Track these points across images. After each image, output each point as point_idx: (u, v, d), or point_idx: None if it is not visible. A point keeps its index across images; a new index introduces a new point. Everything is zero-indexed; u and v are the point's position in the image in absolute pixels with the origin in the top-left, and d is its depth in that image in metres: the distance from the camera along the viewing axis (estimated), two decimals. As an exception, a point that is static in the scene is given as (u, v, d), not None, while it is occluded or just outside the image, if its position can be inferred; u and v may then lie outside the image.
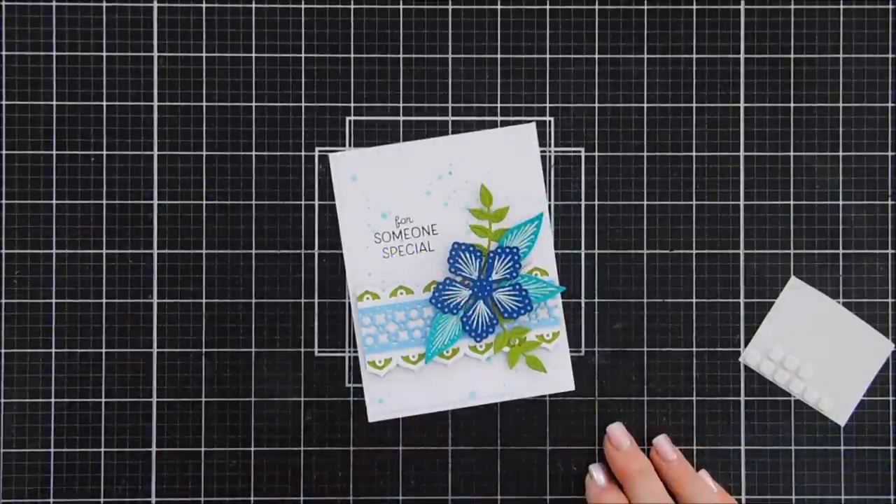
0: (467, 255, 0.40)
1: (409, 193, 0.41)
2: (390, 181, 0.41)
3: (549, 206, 0.42)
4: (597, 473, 0.41)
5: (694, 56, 0.42)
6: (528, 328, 0.41)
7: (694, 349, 0.42)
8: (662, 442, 0.41)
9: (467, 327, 0.40)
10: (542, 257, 0.41)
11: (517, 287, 0.40)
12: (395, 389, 0.41)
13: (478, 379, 0.41)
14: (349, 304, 0.41)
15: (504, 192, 0.41)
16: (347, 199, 0.41)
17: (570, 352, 0.42)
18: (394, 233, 0.41)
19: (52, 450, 0.41)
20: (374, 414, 0.41)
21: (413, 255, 0.41)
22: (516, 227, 0.40)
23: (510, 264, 0.40)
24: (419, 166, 0.41)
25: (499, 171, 0.41)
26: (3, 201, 0.42)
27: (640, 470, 0.39)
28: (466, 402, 0.41)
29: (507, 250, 0.40)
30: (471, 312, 0.40)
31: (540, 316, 0.41)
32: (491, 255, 0.40)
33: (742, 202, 0.42)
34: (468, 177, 0.41)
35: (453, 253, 0.40)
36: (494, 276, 0.40)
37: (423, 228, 0.41)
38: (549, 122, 0.42)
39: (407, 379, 0.41)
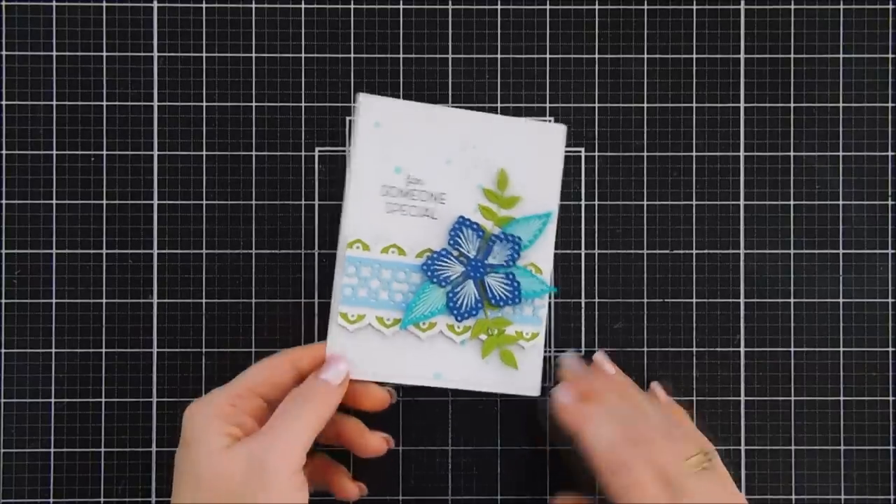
0: (470, 233, 0.39)
1: (429, 156, 0.40)
2: (413, 138, 0.40)
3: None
4: (564, 392, 0.39)
5: (694, 56, 0.42)
6: (510, 321, 0.40)
7: (694, 349, 0.42)
8: (600, 359, 0.40)
9: (451, 303, 0.39)
10: (542, 255, 0.40)
11: (510, 276, 0.39)
12: (360, 350, 0.39)
13: (447, 360, 0.39)
14: (338, 251, 0.39)
15: (520, 183, 0.40)
16: (365, 144, 0.39)
17: (572, 351, 0.42)
18: (402, 190, 0.40)
19: (52, 450, 0.41)
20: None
21: (416, 217, 0.40)
22: (524, 218, 0.40)
23: (509, 252, 0.39)
24: (447, 132, 0.40)
25: (522, 160, 0.40)
26: (3, 201, 0.42)
27: (626, 384, 0.40)
28: (429, 381, 0.39)
29: (510, 237, 0.39)
30: (458, 289, 0.39)
31: (524, 312, 0.40)
32: (493, 238, 0.39)
33: (742, 202, 0.42)
34: (491, 157, 0.40)
35: (457, 226, 0.39)
36: (491, 260, 0.39)
37: (432, 194, 0.40)
38: (550, 121, 0.42)
39: (374, 341, 0.39)
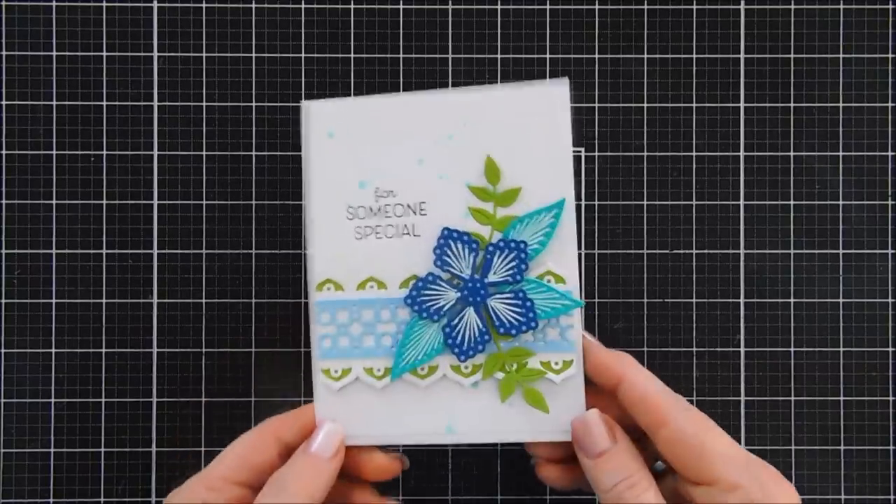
0: (460, 247, 0.32)
1: (397, 160, 0.32)
2: (375, 142, 0.32)
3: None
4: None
5: (694, 56, 0.42)
6: (532, 351, 0.32)
7: (694, 349, 0.42)
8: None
9: (450, 340, 0.31)
10: (561, 258, 0.32)
11: (520, 294, 0.31)
12: (352, 410, 0.32)
13: (458, 409, 0.32)
14: (307, 293, 0.34)
15: (517, 170, 0.32)
16: (320, 160, 0.32)
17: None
18: (371, 209, 0.32)
19: (52, 450, 0.41)
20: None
21: (392, 239, 0.32)
22: (528, 215, 0.32)
23: (513, 263, 0.31)
24: (413, 126, 0.32)
25: (515, 140, 0.32)
26: (3, 201, 0.42)
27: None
28: (442, 437, 0.32)
29: (511, 244, 0.31)
30: (456, 321, 0.31)
31: (549, 336, 0.32)
32: (490, 248, 0.31)
33: (742, 202, 0.42)
34: (473, 145, 0.32)
35: (442, 241, 0.32)
36: (492, 278, 0.32)
37: (408, 206, 0.32)
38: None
39: (368, 397, 0.32)
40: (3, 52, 0.42)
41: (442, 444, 0.32)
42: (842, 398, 0.42)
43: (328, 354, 0.32)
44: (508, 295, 0.31)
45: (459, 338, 0.32)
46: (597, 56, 0.42)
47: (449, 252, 0.32)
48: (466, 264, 0.32)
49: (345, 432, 0.32)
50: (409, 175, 0.32)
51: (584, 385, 0.31)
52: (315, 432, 0.31)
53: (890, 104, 0.42)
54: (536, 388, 0.32)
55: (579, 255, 0.42)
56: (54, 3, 0.42)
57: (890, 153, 0.42)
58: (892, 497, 0.42)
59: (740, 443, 0.42)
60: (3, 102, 0.42)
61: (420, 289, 0.32)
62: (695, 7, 0.42)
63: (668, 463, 0.30)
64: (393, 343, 0.32)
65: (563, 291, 0.31)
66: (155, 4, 0.42)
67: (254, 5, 0.42)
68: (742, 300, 0.42)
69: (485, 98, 0.32)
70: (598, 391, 0.32)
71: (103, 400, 0.42)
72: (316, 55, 0.42)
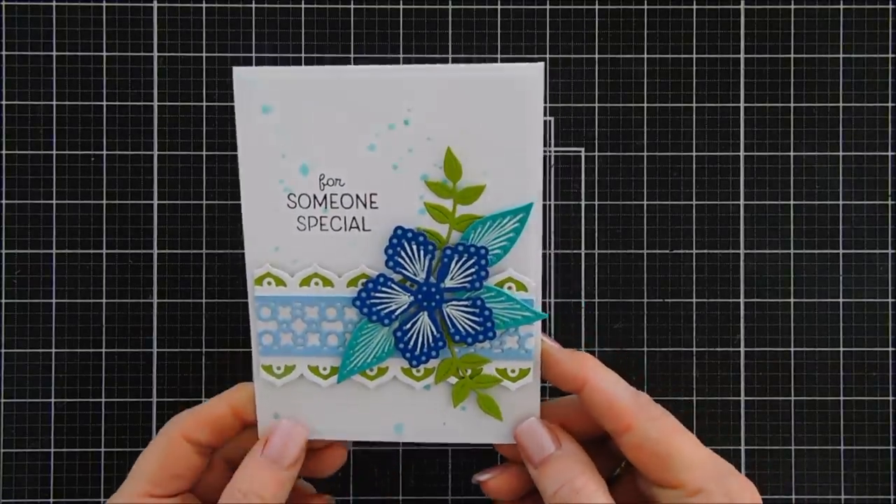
0: (414, 248, 0.29)
1: (345, 143, 0.28)
2: (320, 121, 0.28)
3: (549, 205, 0.42)
4: None
5: (694, 56, 0.42)
6: (488, 359, 0.30)
7: (694, 349, 0.42)
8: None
9: (402, 345, 0.29)
10: (523, 265, 0.29)
11: (478, 302, 0.29)
12: (295, 406, 0.30)
13: (408, 410, 0.30)
14: (248, 288, 0.31)
15: (480, 165, 0.28)
16: (253, 139, 0.29)
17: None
18: (316, 197, 0.29)
19: (52, 450, 0.41)
20: (265, 433, 0.31)
21: (340, 232, 0.29)
22: (492, 217, 0.28)
23: (472, 270, 0.29)
24: (364, 106, 0.28)
25: (480, 130, 0.28)
26: (3, 201, 0.42)
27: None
28: (390, 436, 0.30)
29: (471, 250, 0.29)
30: (409, 326, 0.29)
31: (506, 344, 0.30)
32: (448, 251, 0.29)
33: (742, 202, 0.42)
34: (432, 132, 0.28)
35: (395, 241, 0.29)
36: (448, 283, 0.29)
37: (357, 197, 0.29)
38: (549, 122, 0.42)
39: (313, 394, 0.30)
40: (3, 52, 0.42)
41: (390, 441, 0.31)
42: (842, 398, 0.42)
43: (269, 351, 0.30)
44: (465, 302, 0.29)
45: (412, 343, 0.29)
46: (597, 56, 0.42)
47: (402, 253, 0.29)
48: (421, 267, 0.29)
49: (304, 432, 0.30)
50: (359, 162, 0.28)
51: (539, 393, 0.30)
52: (271, 434, 0.30)
53: (890, 104, 0.42)
54: (490, 395, 0.30)
55: (579, 255, 0.42)
56: (54, 3, 0.42)
57: (890, 153, 0.42)
58: (892, 497, 0.42)
59: (740, 443, 0.42)
60: (3, 102, 0.42)
61: (370, 290, 0.29)
62: (695, 7, 0.42)
63: (632, 464, 0.29)
64: (339, 343, 0.30)
65: (524, 302, 0.29)
66: (155, 4, 0.42)
67: (254, 5, 0.42)
68: (742, 300, 0.42)
69: (447, 79, 0.28)
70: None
71: (103, 400, 0.42)
72: (316, 55, 0.42)
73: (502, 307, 0.29)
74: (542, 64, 0.28)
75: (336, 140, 0.28)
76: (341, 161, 0.29)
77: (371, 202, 0.29)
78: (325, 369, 0.30)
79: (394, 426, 0.30)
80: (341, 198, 0.29)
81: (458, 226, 0.29)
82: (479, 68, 0.28)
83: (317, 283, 0.30)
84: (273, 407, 0.30)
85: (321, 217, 0.29)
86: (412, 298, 0.29)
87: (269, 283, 0.30)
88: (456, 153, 0.28)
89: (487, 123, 0.28)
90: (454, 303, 0.29)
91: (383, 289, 0.29)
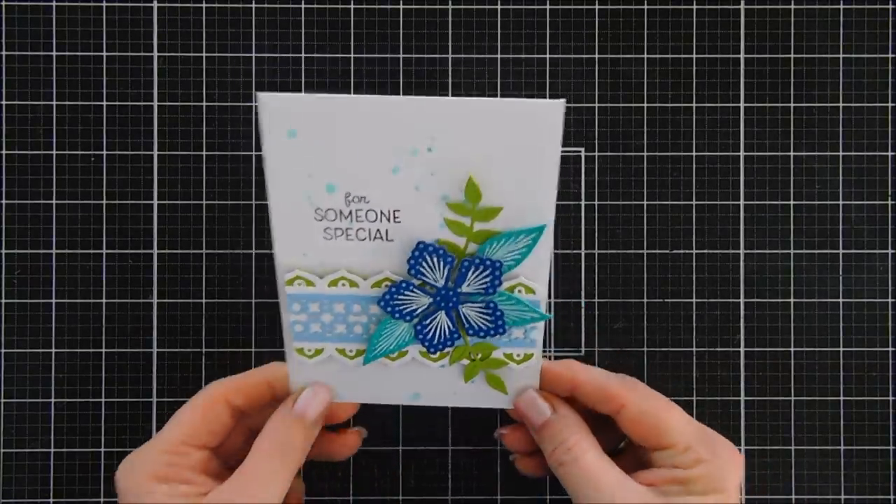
0: (435, 260, 0.31)
1: (369, 166, 0.30)
2: (345, 145, 0.30)
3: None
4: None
5: (694, 56, 0.42)
6: (496, 346, 0.33)
7: (694, 349, 0.42)
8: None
9: (420, 335, 0.32)
10: (533, 274, 0.32)
11: (491, 305, 0.32)
12: (324, 378, 0.34)
13: (424, 382, 0.34)
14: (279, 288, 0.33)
15: (499, 188, 0.30)
16: (280, 161, 0.30)
17: (570, 351, 0.42)
18: (342, 212, 0.31)
19: (52, 450, 0.41)
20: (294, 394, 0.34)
21: (365, 241, 0.31)
22: (507, 234, 0.31)
23: (487, 280, 0.31)
24: (388, 133, 0.29)
25: (501, 157, 0.30)
26: (3, 201, 0.42)
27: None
28: (407, 400, 0.34)
29: (487, 263, 0.31)
30: (428, 322, 0.32)
31: (513, 335, 0.33)
32: (465, 263, 0.31)
33: (742, 202, 0.42)
34: (454, 159, 0.30)
35: (416, 254, 0.31)
36: (465, 288, 0.32)
37: (381, 213, 0.31)
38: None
39: (340, 371, 0.34)
40: (3, 52, 0.42)
41: (407, 404, 0.35)
42: (842, 398, 0.42)
43: (301, 337, 0.33)
44: (480, 304, 0.32)
45: (430, 335, 0.33)
46: (597, 56, 0.42)
47: (423, 264, 0.31)
48: (440, 275, 0.31)
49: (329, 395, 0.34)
50: (383, 183, 0.30)
51: (539, 371, 0.34)
52: (302, 394, 0.33)
53: (890, 104, 0.42)
54: (497, 375, 0.34)
55: (579, 255, 0.42)
56: (54, 3, 0.42)
57: (890, 153, 0.42)
58: (892, 497, 0.42)
59: (740, 443, 0.42)
60: (3, 102, 0.42)
61: (393, 293, 0.32)
62: (695, 7, 0.42)
63: (631, 437, 0.34)
64: (364, 331, 0.33)
65: (532, 304, 0.32)
66: (155, 4, 0.42)
67: (254, 5, 0.42)
68: (742, 300, 0.42)
69: (471, 110, 0.29)
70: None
71: (103, 400, 0.42)
72: (316, 55, 0.42)
73: (512, 308, 0.32)
74: (563, 101, 0.29)
75: (360, 163, 0.30)
76: (366, 181, 0.30)
77: (394, 217, 0.31)
78: (351, 351, 0.33)
79: (412, 394, 0.34)
80: (366, 213, 0.31)
81: (475, 239, 0.31)
82: (503, 102, 0.29)
83: (343, 285, 0.32)
84: (304, 381, 0.34)
85: (347, 229, 0.31)
86: (431, 300, 0.32)
87: (300, 284, 0.32)
88: (476, 179, 0.30)
89: (509, 153, 0.29)
90: (469, 304, 0.32)
91: (405, 292, 0.32)
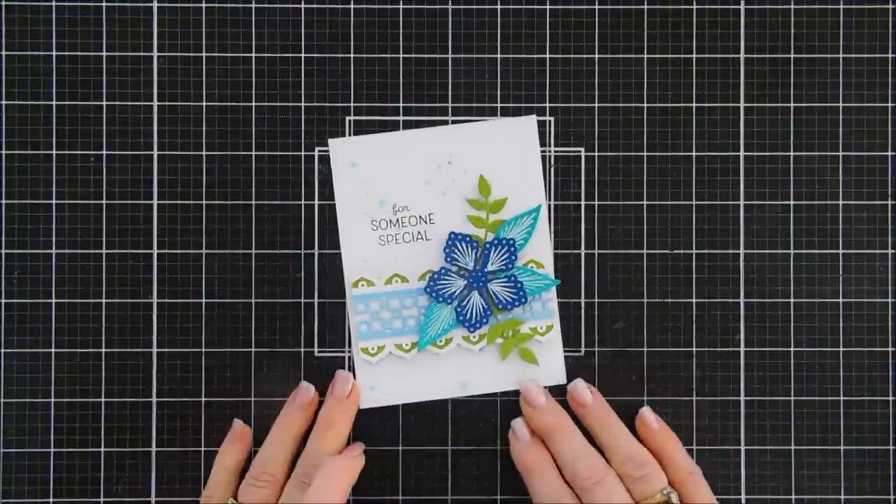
0: (464, 246, 0.41)
1: (408, 182, 0.41)
2: (389, 169, 0.41)
3: (549, 205, 0.42)
4: (519, 430, 0.40)
5: (694, 56, 0.42)
6: (522, 320, 0.41)
7: (694, 349, 0.42)
8: (577, 387, 0.41)
9: (461, 317, 0.41)
10: (539, 250, 0.41)
11: (512, 278, 0.41)
12: (387, 377, 0.41)
13: (469, 369, 0.41)
14: (346, 291, 0.41)
15: (503, 184, 0.41)
16: (346, 186, 0.41)
17: (570, 351, 0.42)
18: (391, 221, 0.41)
19: (52, 450, 0.41)
20: (367, 401, 0.41)
21: (409, 243, 0.41)
22: (514, 218, 0.41)
23: (506, 255, 0.40)
24: (419, 155, 0.41)
25: (498, 162, 0.41)
26: (3, 201, 0.42)
27: (558, 425, 0.39)
28: (457, 392, 0.42)
29: (503, 241, 0.41)
30: (465, 303, 0.41)
31: (534, 309, 0.41)
32: (487, 245, 0.41)
33: (742, 202, 0.42)
34: (467, 167, 0.41)
35: (450, 242, 0.41)
36: (490, 267, 0.41)
37: (420, 217, 0.41)
38: (549, 121, 0.42)
39: (399, 367, 0.41)
40: (3, 52, 0.42)
41: (458, 397, 0.41)
42: (842, 398, 0.42)
43: (365, 336, 0.41)
44: (504, 280, 0.41)
45: (468, 315, 0.41)
46: (597, 56, 0.42)
47: (456, 250, 0.41)
48: (470, 259, 0.41)
49: (380, 396, 0.42)
50: (419, 193, 0.41)
51: (561, 342, 0.42)
52: (334, 381, 0.41)
53: (890, 104, 0.42)
54: (528, 348, 0.41)
55: (579, 255, 0.42)
56: (54, 3, 0.42)
57: (890, 153, 0.42)
58: (892, 497, 0.42)
59: (740, 443, 0.42)
60: (3, 102, 0.42)
61: (435, 280, 0.41)
62: (695, 7, 0.42)
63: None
64: (416, 323, 0.41)
65: (543, 274, 0.41)
66: (155, 4, 0.42)
67: (254, 5, 0.42)
68: (742, 300, 0.42)
69: (474, 130, 0.42)
70: None
71: (103, 400, 0.42)
72: (316, 55, 0.42)
73: (529, 279, 0.41)
74: (533, 116, 0.42)
75: (402, 180, 0.42)
76: (406, 194, 0.42)
77: (430, 219, 0.41)
78: (407, 345, 0.41)
79: (460, 384, 0.42)
80: (409, 218, 0.41)
81: (491, 228, 0.41)
82: (495, 121, 0.42)
83: (397, 281, 0.41)
84: (370, 381, 0.41)
85: (395, 234, 0.41)
86: (465, 282, 0.41)
87: (363, 286, 0.41)
88: (486, 179, 0.41)
89: (504, 156, 0.42)
90: (495, 281, 0.41)
91: (444, 277, 0.41)
